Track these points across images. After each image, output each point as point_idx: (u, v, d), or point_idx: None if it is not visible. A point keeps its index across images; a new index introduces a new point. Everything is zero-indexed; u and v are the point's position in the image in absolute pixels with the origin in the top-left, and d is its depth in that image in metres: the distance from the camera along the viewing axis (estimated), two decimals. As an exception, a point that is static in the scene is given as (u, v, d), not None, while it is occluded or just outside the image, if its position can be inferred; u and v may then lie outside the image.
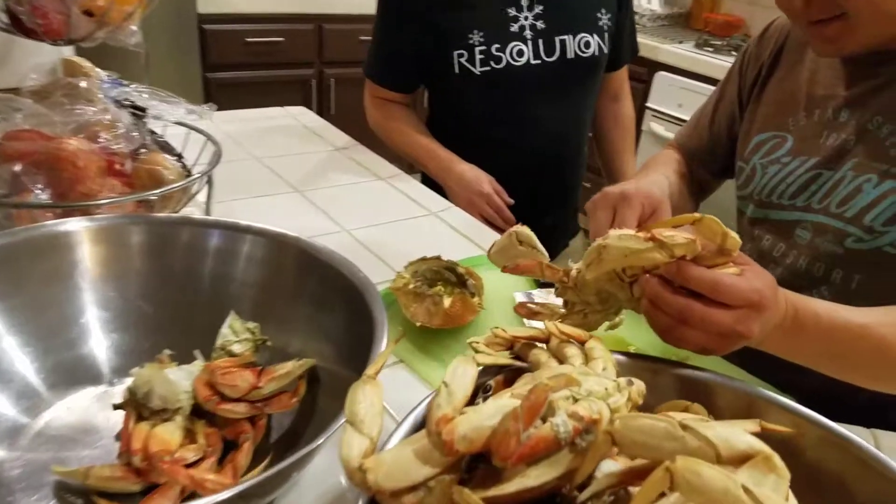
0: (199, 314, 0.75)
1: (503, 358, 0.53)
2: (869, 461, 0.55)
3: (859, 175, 0.82)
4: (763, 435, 0.52)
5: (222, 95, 2.95)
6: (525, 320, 0.80)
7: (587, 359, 0.52)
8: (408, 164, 1.47)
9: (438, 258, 0.94)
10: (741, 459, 0.38)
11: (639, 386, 0.47)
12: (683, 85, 2.73)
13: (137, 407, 0.65)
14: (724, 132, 1.03)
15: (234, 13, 2.90)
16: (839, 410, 0.83)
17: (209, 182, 0.97)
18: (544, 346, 0.57)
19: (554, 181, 1.42)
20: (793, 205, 0.88)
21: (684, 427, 0.39)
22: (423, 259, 0.93)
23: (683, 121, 2.75)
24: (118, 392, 0.70)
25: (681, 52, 2.77)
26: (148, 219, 0.78)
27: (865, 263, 0.82)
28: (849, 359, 0.71)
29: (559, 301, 0.94)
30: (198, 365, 0.71)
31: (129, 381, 0.66)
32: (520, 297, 0.94)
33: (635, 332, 0.90)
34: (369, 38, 1.41)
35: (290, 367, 0.68)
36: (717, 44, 2.84)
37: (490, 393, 0.53)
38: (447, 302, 0.84)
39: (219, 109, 1.78)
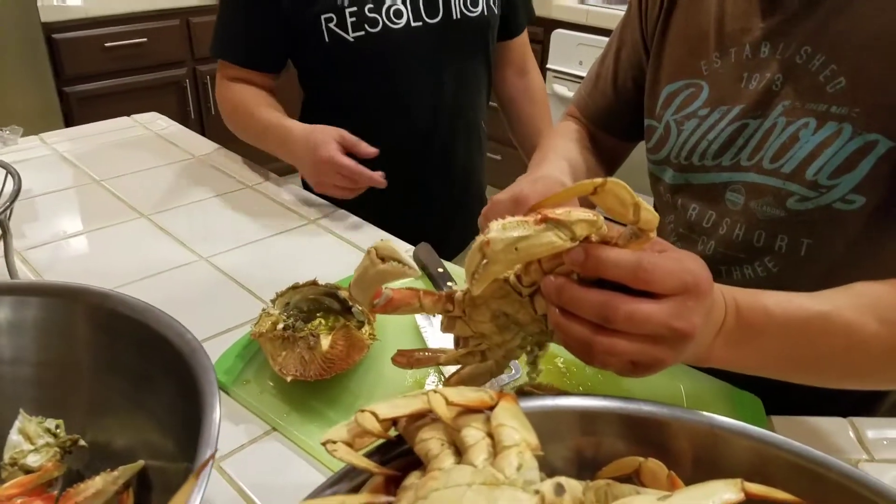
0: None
1: (370, 463, 0.36)
2: (854, 488, 0.42)
3: (793, 121, 0.67)
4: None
5: (84, 109, 2.64)
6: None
7: (495, 446, 0.35)
8: (287, 164, 1.26)
9: (314, 283, 0.75)
10: None
11: (573, 491, 0.31)
12: (582, 41, 2.60)
13: None
14: (632, 85, 0.88)
15: (84, 18, 2.59)
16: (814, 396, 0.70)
17: (2, 228, 0.75)
18: (437, 421, 0.40)
19: (450, 161, 1.24)
20: (718, 164, 0.74)
21: None
22: (295, 287, 0.75)
23: (586, 78, 2.65)
24: None
25: (573, 6, 2.64)
26: None
27: (814, 225, 0.68)
28: (815, 358, 0.57)
29: None
30: (-22, 494, 0.51)
31: None
32: (420, 318, 0.77)
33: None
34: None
35: (100, 484, 0.49)
36: (609, -8, 2.73)
37: (362, 512, 0.35)
38: (325, 342, 0.66)
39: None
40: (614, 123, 0.91)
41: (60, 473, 0.53)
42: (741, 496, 0.39)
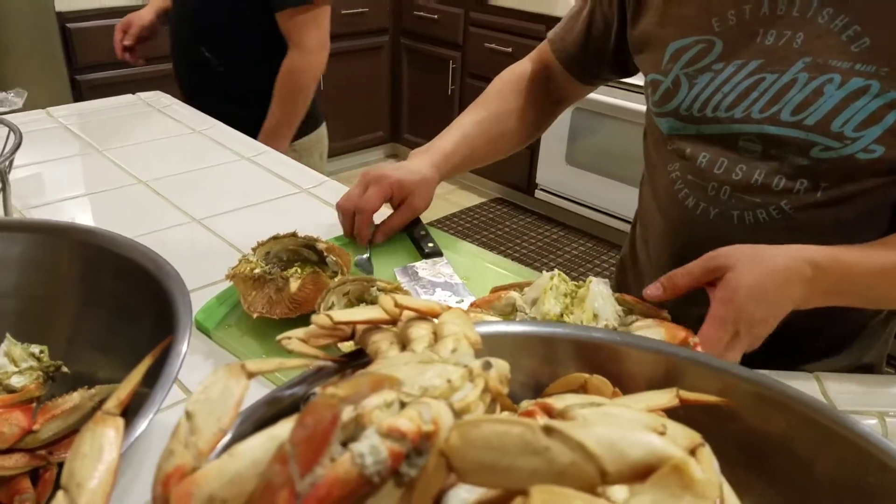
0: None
1: (319, 353, 0.38)
2: (819, 420, 0.43)
3: (817, 77, 0.69)
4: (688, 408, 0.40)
5: (95, 97, 2.67)
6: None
7: (436, 339, 0.37)
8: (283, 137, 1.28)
9: (294, 234, 0.78)
10: (642, 472, 0.24)
11: (500, 368, 0.33)
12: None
13: None
14: (606, 33, 0.88)
15: (98, 8, 2.63)
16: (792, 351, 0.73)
17: (2, 180, 0.78)
18: (391, 328, 0.42)
19: None
20: (731, 117, 0.74)
21: (549, 431, 0.25)
22: (276, 238, 0.77)
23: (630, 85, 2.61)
24: None
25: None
26: None
27: (834, 172, 0.70)
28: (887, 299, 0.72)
29: (447, 270, 0.79)
30: (-37, 411, 0.53)
31: None
32: (400, 274, 0.79)
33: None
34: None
35: (77, 400, 0.51)
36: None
37: (312, 405, 0.38)
38: (294, 285, 0.68)
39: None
40: (579, 67, 0.93)
41: (41, 394, 0.55)
42: (676, 402, 0.41)
